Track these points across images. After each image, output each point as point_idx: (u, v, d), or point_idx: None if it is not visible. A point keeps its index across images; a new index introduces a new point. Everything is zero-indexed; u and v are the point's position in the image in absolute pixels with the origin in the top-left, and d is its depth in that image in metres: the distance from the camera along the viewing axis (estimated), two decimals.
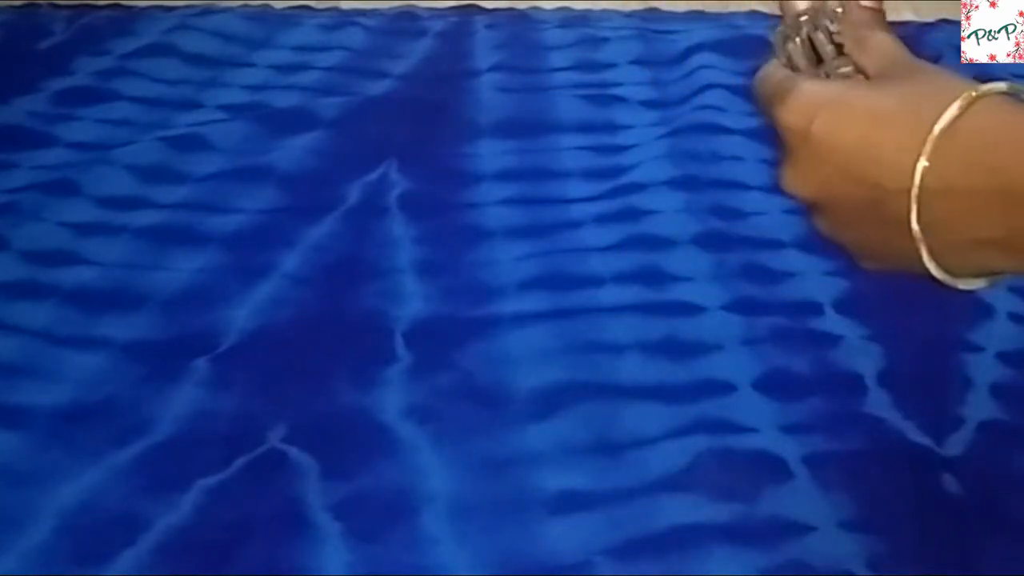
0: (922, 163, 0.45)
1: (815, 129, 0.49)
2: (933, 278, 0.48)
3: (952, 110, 0.45)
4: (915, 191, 0.46)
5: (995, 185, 0.44)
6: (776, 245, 1.10)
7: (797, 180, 0.51)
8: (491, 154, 1.30)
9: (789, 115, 0.50)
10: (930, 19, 1.61)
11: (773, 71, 0.54)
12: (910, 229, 0.47)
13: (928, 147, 0.45)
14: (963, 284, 0.48)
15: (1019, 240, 0.45)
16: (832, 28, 0.54)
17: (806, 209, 0.52)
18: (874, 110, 0.48)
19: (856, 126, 0.48)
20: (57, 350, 0.94)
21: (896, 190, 0.46)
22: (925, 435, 0.84)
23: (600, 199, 1.20)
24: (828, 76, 0.53)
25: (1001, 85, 0.46)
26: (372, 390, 0.90)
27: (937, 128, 0.45)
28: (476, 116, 1.40)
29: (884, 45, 0.52)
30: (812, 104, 0.49)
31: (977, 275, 0.48)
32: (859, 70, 0.52)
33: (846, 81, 0.51)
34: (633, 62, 1.57)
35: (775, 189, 1.28)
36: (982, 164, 0.45)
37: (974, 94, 0.45)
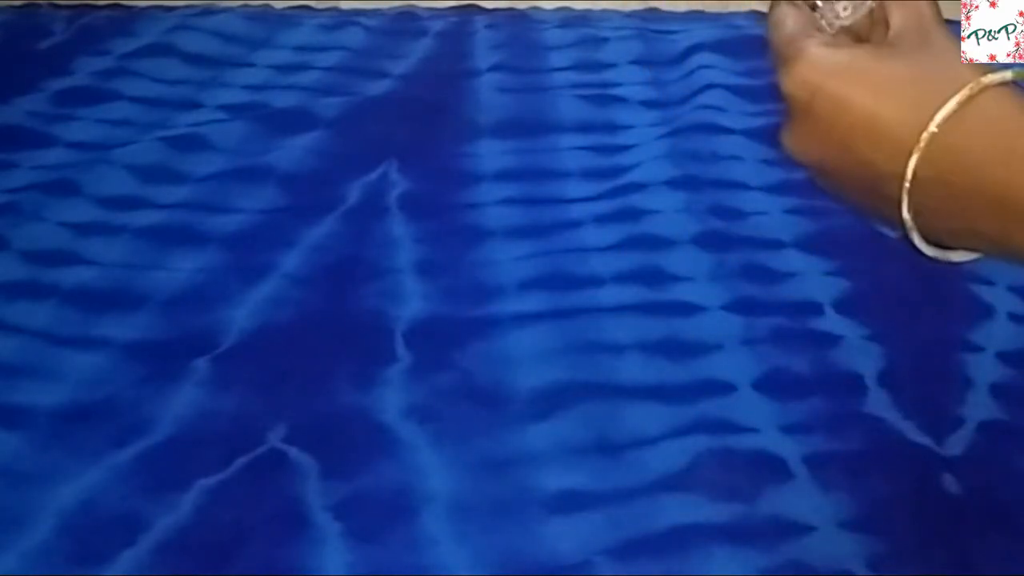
0: (915, 156, 0.45)
1: (818, 102, 0.48)
2: (925, 256, 0.48)
3: (952, 104, 0.45)
4: (907, 184, 0.46)
5: (988, 187, 0.44)
6: (776, 245, 1.10)
7: (798, 145, 0.51)
8: (491, 154, 1.30)
9: (793, 84, 0.49)
10: None
11: (786, 18, 0.52)
12: (901, 214, 0.47)
13: (923, 141, 0.45)
14: (956, 256, 0.48)
15: (1011, 241, 0.45)
16: None
17: (806, 170, 0.52)
18: (878, 87, 0.48)
19: (859, 103, 0.48)
20: (57, 350, 0.94)
21: (890, 173, 0.47)
22: (925, 435, 0.84)
23: (600, 199, 1.20)
24: (846, 8, 0.52)
25: (1007, 74, 0.46)
26: (372, 390, 0.90)
27: (932, 125, 0.45)
28: (476, 116, 1.40)
29: (920, 2, 0.51)
30: (817, 74, 0.49)
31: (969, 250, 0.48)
32: (881, 15, 0.52)
33: (854, 49, 0.51)
34: (633, 62, 1.57)
35: (775, 189, 1.29)
36: (976, 164, 0.45)
37: (977, 87, 0.45)
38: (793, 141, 0.51)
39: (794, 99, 0.49)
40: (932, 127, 0.45)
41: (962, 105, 0.45)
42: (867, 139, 0.47)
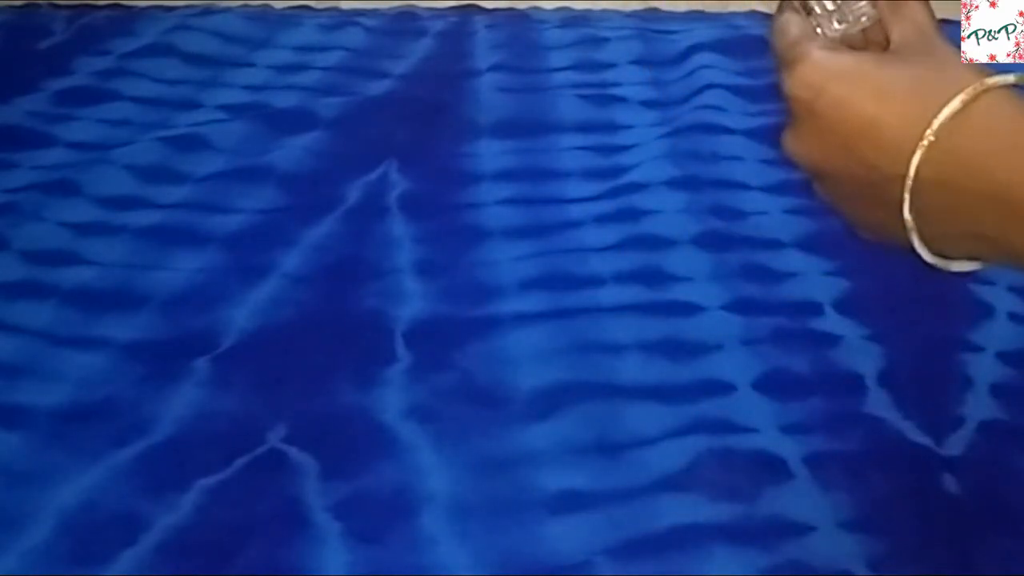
0: (918, 155, 0.46)
1: (820, 104, 0.49)
2: (925, 262, 0.48)
3: (955, 104, 0.45)
4: (909, 182, 0.46)
5: (990, 188, 0.44)
6: (776, 245, 1.10)
7: (800, 148, 0.51)
8: (491, 154, 1.30)
9: (796, 85, 0.50)
10: None
11: (789, 24, 0.53)
12: (902, 215, 0.47)
13: (926, 139, 0.45)
14: (956, 267, 0.49)
15: (1012, 242, 0.45)
16: None
17: (807, 174, 0.52)
18: (881, 90, 0.48)
19: (861, 105, 0.48)
20: (57, 350, 0.94)
21: (892, 175, 0.47)
22: (925, 435, 0.84)
23: (600, 199, 1.20)
24: (841, 22, 0.53)
25: (1009, 78, 0.46)
26: (372, 390, 0.90)
27: (936, 122, 0.45)
28: (476, 116, 1.40)
29: (918, 14, 0.51)
30: (820, 77, 0.49)
31: (971, 258, 0.48)
32: (882, 28, 0.52)
33: (857, 54, 0.51)
34: (633, 62, 1.57)
35: (775, 189, 1.29)
36: (979, 164, 0.45)
37: (980, 88, 0.45)
38: (795, 144, 0.51)
39: (797, 101, 0.50)
40: (935, 125, 0.45)
41: (965, 105, 0.45)
42: (870, 141, 0.47)
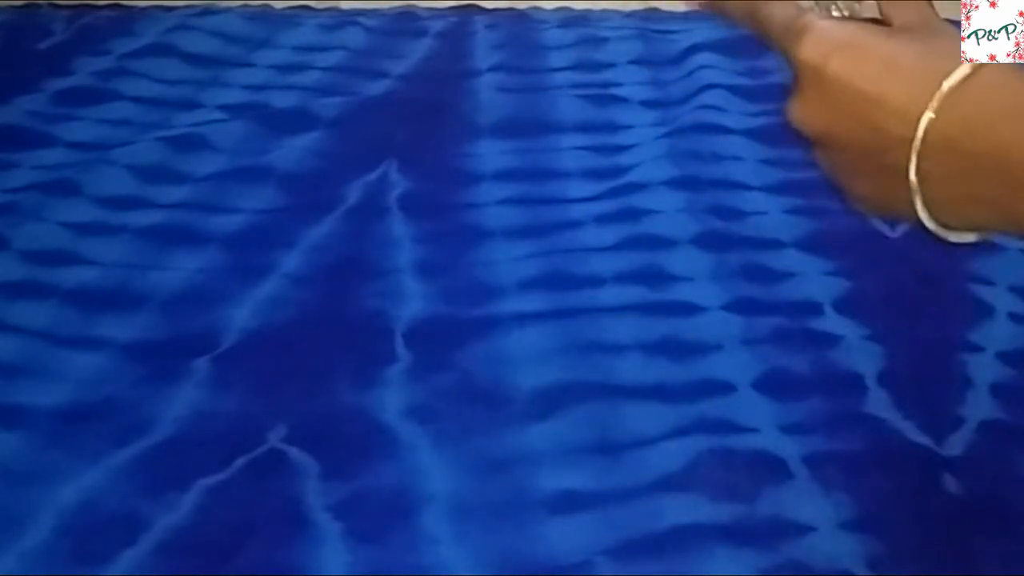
0: (927, 116, 0.46)
1: (830, 67, 0.49)
2: (925, 228, 0.48)
3: (964, 69, 0.46)
4: (916, 144, 0.47)
5: (995, 152, 0.45)
6: (776, 245, 1.10)
7: (806, 114, 0.51)
8: (491, 154, 1.30)
9: (806, 51, 0.50)
10: None
11: (774, 9, 0.53)
12: (907, 179, 0.47)
13: (935, 102, 0.46)
14: (954, 236, 0.49)
15: (1014, 205, 0.45)
16: None
17: (810, 143, 0.53)
18: (889, 58, 0.48)
19: (869, 71, 0.48)
20: (57, 350, 0.94)
21: (899, 139, 0.47)
22: (925, 435, 0.84)
23: (600, 199, 1.20)
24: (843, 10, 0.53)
25: None
26: (372, 390, 0.90)
27: (946, 85, 0.46)
28: (476, 116, 1.40)
29: (919, 3, 0.52)
30: (829, 44, 0.50)
31: (969, 229, 0.49)
32: (884, 17, 0.52)
33: (864, 25, 0.52)
34: (633, 62, 1.57)
35: (775, 189, 1.29)
36: (985, 129, 0.45)
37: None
38: (801, 110, 0.51)
39: (805, 66, 0.50)
40: (944, 88, 0.46)
41: (974, 70, 0.46)
42: (876, 104, 0.48)
